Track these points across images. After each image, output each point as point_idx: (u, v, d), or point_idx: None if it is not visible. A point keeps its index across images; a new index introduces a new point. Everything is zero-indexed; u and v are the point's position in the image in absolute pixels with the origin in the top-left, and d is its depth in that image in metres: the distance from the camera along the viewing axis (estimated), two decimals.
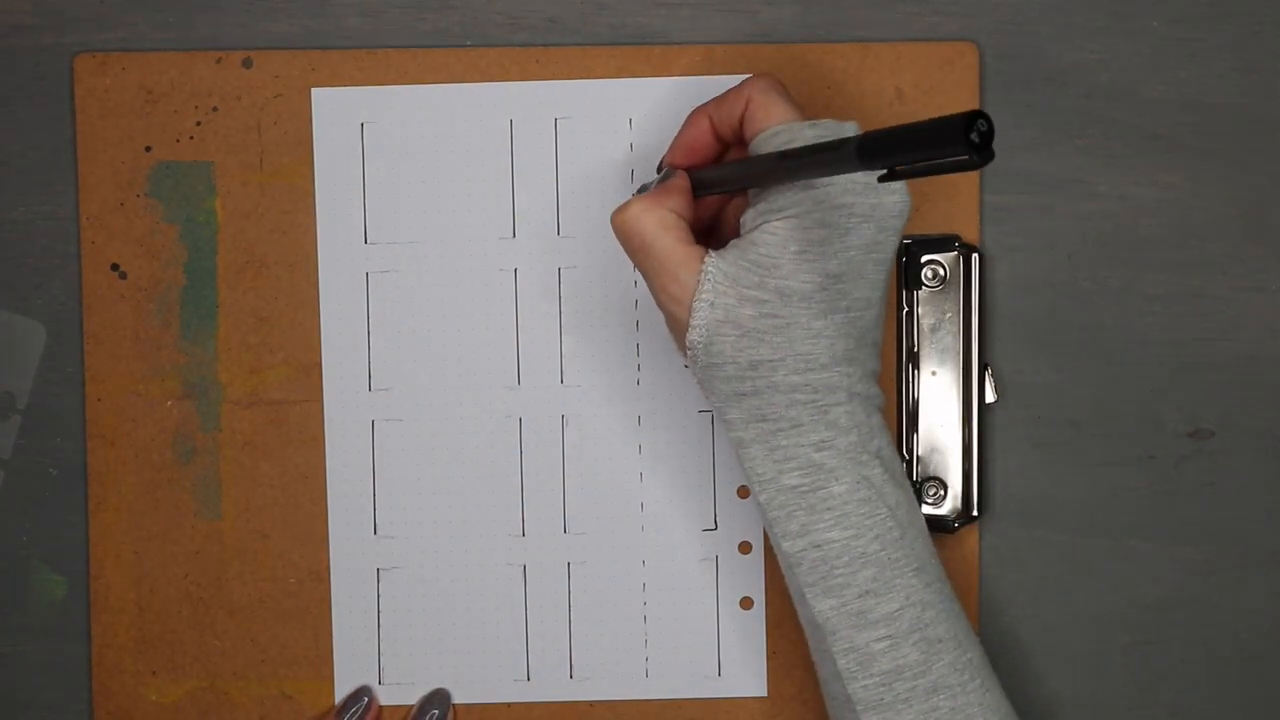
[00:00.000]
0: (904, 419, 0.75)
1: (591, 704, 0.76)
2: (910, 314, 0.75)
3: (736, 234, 0.68)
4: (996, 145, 0.74)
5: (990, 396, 0.75)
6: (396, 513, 0.76)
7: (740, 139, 0.67)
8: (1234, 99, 0.75)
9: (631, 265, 0.75)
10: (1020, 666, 0.76)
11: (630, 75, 0.75)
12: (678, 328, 0.66)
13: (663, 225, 0.65)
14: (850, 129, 0.64)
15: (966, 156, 0.50)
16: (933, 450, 0.75)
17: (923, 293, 0.74)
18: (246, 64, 0.75)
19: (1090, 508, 0.76)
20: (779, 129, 0.65)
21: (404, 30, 0.75)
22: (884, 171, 0.55)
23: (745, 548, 0.75)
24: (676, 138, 0.69)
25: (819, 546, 0.64)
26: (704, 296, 0.64)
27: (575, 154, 0.75)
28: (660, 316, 0.74)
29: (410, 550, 0.76)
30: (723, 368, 0.64)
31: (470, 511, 0.75)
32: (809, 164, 0.59)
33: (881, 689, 0.64)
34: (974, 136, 0.50)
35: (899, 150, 0.53)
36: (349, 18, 0.75)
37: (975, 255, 0.74)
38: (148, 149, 0.75)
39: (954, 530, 0.75)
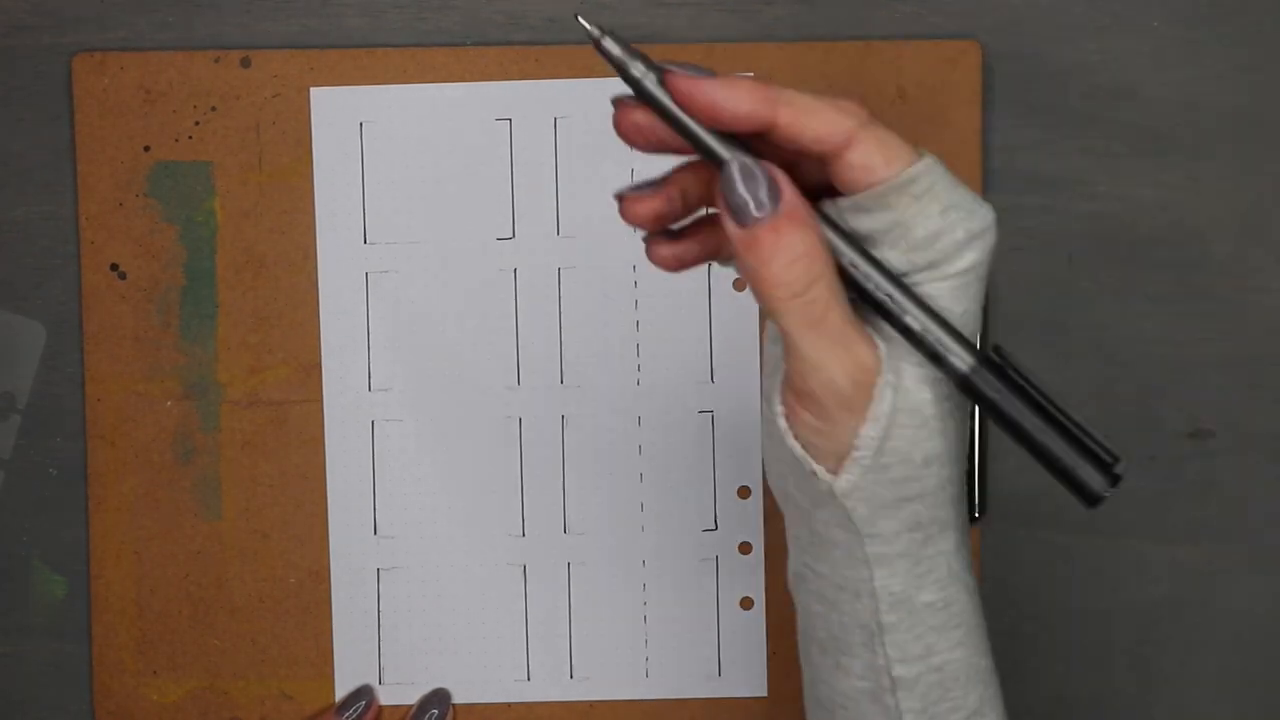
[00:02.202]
0: None
1: (591, 704, 0.76)
2: None
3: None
4: (997, 145, 0.75)
5: None
6: (396, 513, 0.75)
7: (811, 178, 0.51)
8: (1234, 99, 0.75)
9: (631, 265, 0.75)
10: (1020, 666, 0.76)
11: None
12: (825, 418, 0.51)
13: (836, 289, 0.50)
14: (984, 215, 0.51)
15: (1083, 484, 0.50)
16: None
17: None
18: (245, 64, 0.75)
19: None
20: (911, 174, 0.49)
21: (404, 30, 0.75)
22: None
23: (745, 548, 0.75)
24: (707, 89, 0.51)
25: (939, 669, 0.54)
26: (888, 378, 0.50)
27: (575, 154, 0.75)
28: (661, 314, 0.74)
29: (410, 550, 0.76)
30: (890, 469, 0.51)
31: (470, 511, 0.75)
32: (919, 341, 0.50)
33: None
34: (1109, 480, 0.50)
35: (1012, 426, 0.50)
36: (348, 17, 0.75)
37: None
38: (147, 149, 0.75)
39: None
